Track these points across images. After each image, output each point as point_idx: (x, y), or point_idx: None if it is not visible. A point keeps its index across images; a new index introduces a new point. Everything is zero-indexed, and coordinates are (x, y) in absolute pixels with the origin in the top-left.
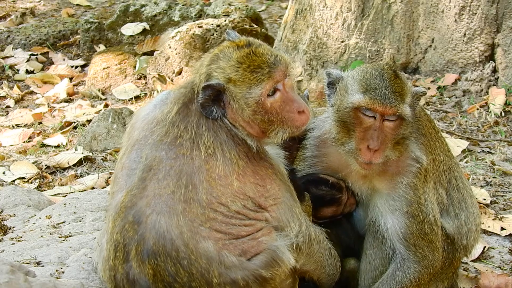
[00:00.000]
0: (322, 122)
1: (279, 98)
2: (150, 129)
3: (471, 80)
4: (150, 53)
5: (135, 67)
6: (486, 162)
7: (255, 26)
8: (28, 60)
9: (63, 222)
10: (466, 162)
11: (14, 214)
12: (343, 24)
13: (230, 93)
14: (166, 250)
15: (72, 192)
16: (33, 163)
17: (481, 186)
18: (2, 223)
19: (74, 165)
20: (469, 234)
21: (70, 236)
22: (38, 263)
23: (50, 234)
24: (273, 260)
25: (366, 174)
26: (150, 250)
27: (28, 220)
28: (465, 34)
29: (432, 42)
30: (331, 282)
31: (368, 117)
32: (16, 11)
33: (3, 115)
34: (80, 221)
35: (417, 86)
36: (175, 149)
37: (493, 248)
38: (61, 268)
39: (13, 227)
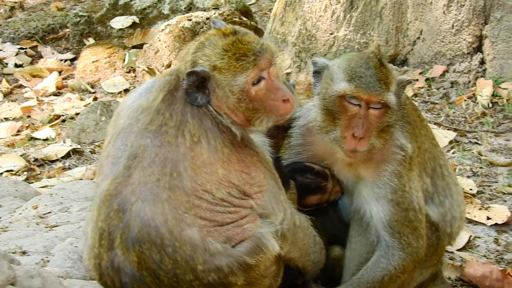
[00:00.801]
0: (308, 111)
1: (264, 86)
2: (135, 117)
3: (459, 72)
4: (140, 47)
5: (124, 60)
6: (473, 152)
7: (244, 19)
8: (17, 54)
9: (50, 212)
10: (453, 153)
11: (1, 205)
12: (332, 16)
13: (215, 80)
14: (151, 237)
15: None
16: (21, 155)
17: (468, 177)
18: None
19: (62, 157)
20: (453, 221)
21: (56, 226)
22: (24, 253)
23: (37, 224)
24: (258, 247)
25: (351, 162)
26: (135, 237)
27: (14, 211)
28: (453, 26)
29: (421, 34)
30: (316, 270)
31: (353, 105)
32: (5, 4)
33: None
34: (67, 211)
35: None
36: (160, 136)
37: (479, 238)
38: (47, 257)
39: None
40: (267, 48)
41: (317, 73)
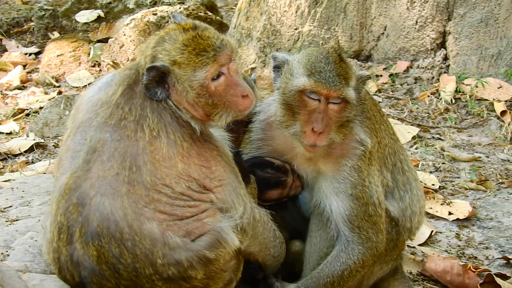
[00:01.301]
0: (268, 105)
1: (223, 82)
2: (94, 111)
3: (423, 68)
4: (105, 41)
5: (89, 54)
6: (436, 148)
7: (210, 13)
8: None
9: (10, 206)
10: (416, 148)
11: None
12: (296, 12)
13: (174, 75)
14: (110, 231)
15: None
16: None
17: (431, 172)
18: None
19: (25, 151)
20: (413, 216)
21: (17, 220)
22: None
23: None
24: (217, 241)
25: (311, 157)
26: (94, 231)
27: None
28: (417, 22)
29: (385, 29)
30: (276, 264)
31: (312, 100)
32: None
33: None
34: (28, 205)
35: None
36: (120, 131)
37: (441, 233)
38: (6, 252)
39: None
40: (227, 44)
41: (277, 67)
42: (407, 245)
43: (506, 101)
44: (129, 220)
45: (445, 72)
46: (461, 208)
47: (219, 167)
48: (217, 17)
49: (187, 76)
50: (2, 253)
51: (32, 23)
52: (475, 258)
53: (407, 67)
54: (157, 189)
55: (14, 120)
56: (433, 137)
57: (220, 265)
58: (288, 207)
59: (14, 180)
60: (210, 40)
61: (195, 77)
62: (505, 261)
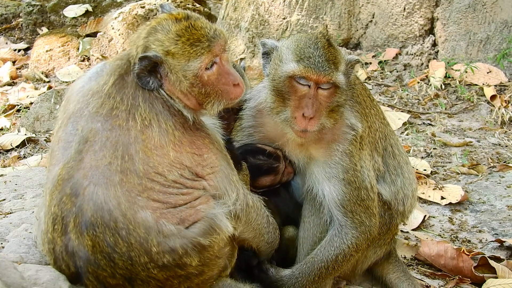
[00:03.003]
0: (258, 92)
1: (216, 71)
2: (85, 101)
3: (412, 54)
4: (93, 35)
5: (78, 49)
6: (426, 134)
7: (197, 5)
8: None
9: (4, 199)
10: (407, 135)
11: None
12: (284, 1)
13: (168, 65)
14: (104, 221)
15: None
16: None
17: (422, 157)
18: None
19: (17, 146)
20: (405, 199)
21: (10, 213)
22: None
23: None
24: (211, 228)
25: (302, 143)
26: (88, 221)
27: None
28: (404, 9)
29: (373, 17)
30: (270, 250)
31: (302, 86)
32: None
33: None
34: (21, 198)
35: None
36: (111, 120)
37: (434, 217)
38: (1, 244)
39: None
40: (221, 34)
41: (266, 54)
42: (401, 230)
43: (495, 85)
44: (123, 209)
45: (434, 58)
46: (454, 192)
47: (211, 154)
48: (205, 9)
49: (180, 66)
50: None
51: (20, 19)
52: (469, 241)
53: (396, 54)
54: (149, 177)
55: (5, 116)
56: (423, 123)
57: (214, 251)
58: (280, 193)
59: (6, 175)
60: (203, 30)
61: (189, 67)
62: (499, 244)
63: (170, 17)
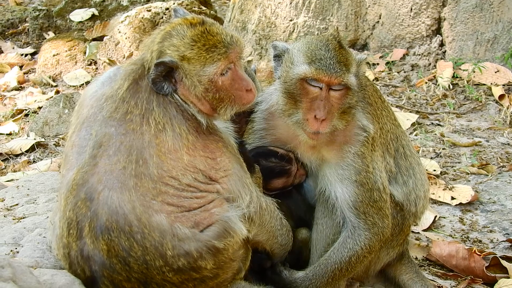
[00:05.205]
0: (270, 95)
1: (230, 77)
2: (99, 106)
3: (419, 55)
4: (100, 39)
5: (85, 53)
6: (435, 134)
7: (204, 8)
8: None
9: (17, 204)
10: (416, 135)
11: None
12: (291, 3)
13: (183, 70)
14: (119, 225)
15: None
16: None
17: (431, 158)
18: None
19: (26, 151)
20: (417, 200)
21: (24, 218)
22: None
23: (4, 216)
24: (226, 230)
25: (314, 144)
26: (103, 226)
27: None
28: (411, 9)
29: (380, 18)
30: (284, 252)
31: (314, 88)
32: None
33: None
34: (34, 202)
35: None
36: (125, 124)
37: (444, 218)
38: (16, 249)
39: None
40: (237, 41)
41: (278, 57)
42: (412, 231)
43: (503, 85)
44: (137, 213)
45: (441, 58)
46: (464, 192)
47: (224, 158)
48: (211, 11)
49: (196, 71)
50: (11, 250)
51: (26, 24)
52: (480, 241)
53: (404, 55)
54: (164, 181)
55: (13, 120)
56: (432, 123)
57: (229, 254)
58: (293, 195)
59: (17, 179)
60: (219, 36)
61: (205, 72)
62: (510, 244)
63: (184, 22)
